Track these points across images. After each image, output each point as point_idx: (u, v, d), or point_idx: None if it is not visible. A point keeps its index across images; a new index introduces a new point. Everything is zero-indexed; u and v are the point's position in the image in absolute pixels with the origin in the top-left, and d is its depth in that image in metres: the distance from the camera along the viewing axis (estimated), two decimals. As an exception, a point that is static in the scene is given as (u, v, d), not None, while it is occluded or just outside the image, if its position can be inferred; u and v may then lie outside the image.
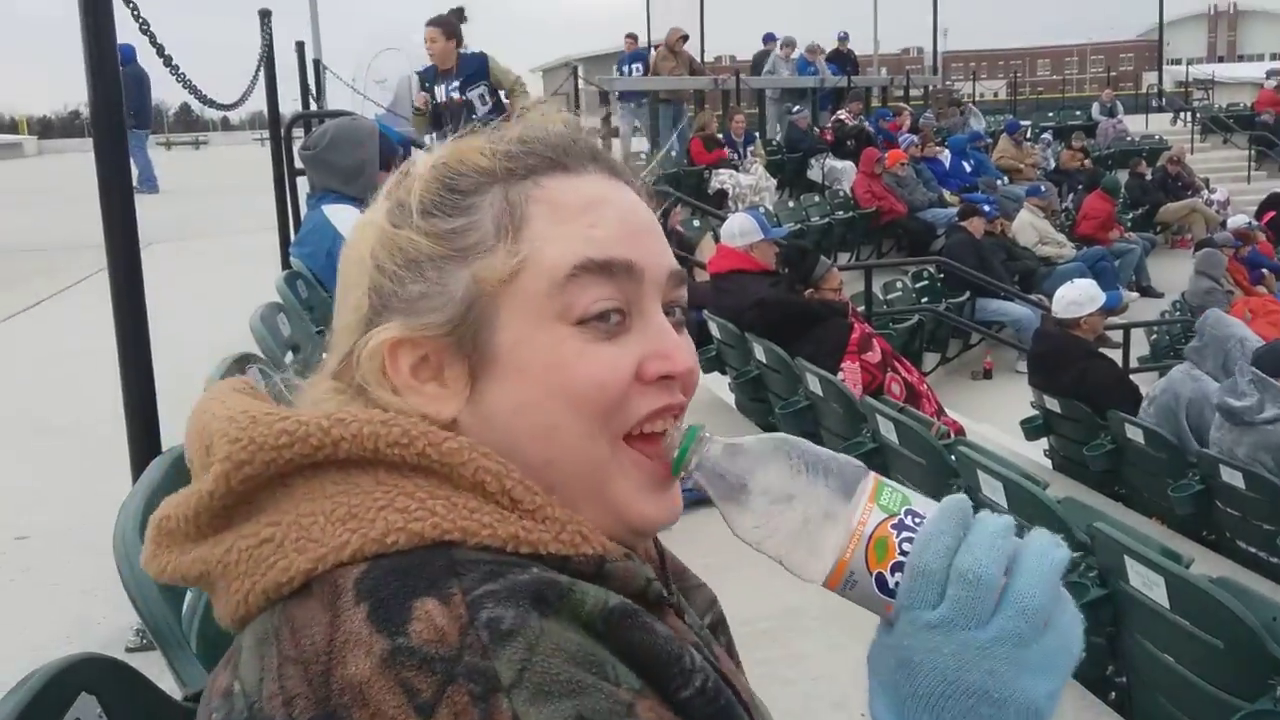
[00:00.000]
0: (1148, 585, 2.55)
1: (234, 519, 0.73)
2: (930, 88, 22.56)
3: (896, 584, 0.68)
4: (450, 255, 0.77)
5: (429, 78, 7.15)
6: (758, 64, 17.01)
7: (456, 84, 7.04)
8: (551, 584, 0.67)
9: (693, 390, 0.83)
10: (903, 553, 0.68)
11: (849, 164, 13.63)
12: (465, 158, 0.80)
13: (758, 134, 14.69)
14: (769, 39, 17.11)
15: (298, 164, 6.06)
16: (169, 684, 1.24)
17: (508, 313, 0.76)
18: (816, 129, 14.79)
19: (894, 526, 0.69)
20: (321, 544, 0.69)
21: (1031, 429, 6.27)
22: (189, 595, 1.52)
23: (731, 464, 0.75)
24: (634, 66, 14.75)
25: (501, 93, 7.06)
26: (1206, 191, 16.91)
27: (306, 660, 0.64)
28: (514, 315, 0.76)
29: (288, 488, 0.72)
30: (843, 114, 15.12)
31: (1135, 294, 12.38)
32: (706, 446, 0.76)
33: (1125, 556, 2.62)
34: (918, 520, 0.70)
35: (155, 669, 1.28)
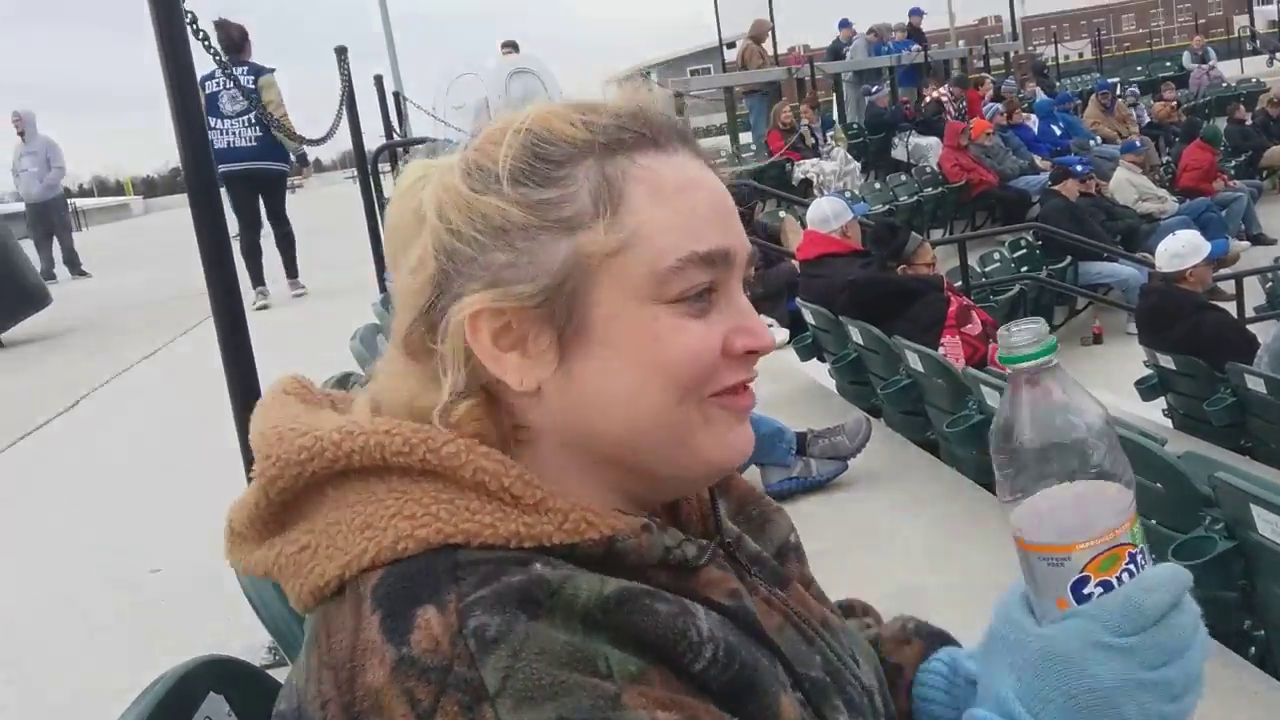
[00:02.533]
0: (1277, 532, 2.46)
1: (286, 522, 0.79)
2: (1011, 54, 22.08)
3: (1090, 594, 0.73)
4: (544, 226, 0.77)
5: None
6: (835, 51, 16.80)
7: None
8: (541, 583, 0.69)
9: None
10: (1119, 579, 0.73)
11: (934, 139, 13.41)
12: (553, 126, 0.79)
13: (836, 120, 14.55)
14: (844, 25, 16.93)
15: (386, 193, 6.30)
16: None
17: (605, 288, 0.77)
18: (897, 107, 14.59)
19: (1129, 554, 0.74)
20: (346, 552, 0.73)
21: (1147, 389, 6.08)
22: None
23: (1063, 388, 0.75)
24: None
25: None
26: (1313, 130, 16.17)
27: (336, 665, 0.69)
28: (611, 291, 0.77)
29: (323, 495, 0.77)
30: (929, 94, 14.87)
31: (1246, 243, 11.89)
32: (1055, 364, 0.75)
33: (1251, 505, 2.53)
34: (1143, 563, 0.74)
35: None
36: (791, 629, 0.83)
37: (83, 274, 12.67)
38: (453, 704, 0.64)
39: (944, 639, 1.01)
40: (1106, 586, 0.72)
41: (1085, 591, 0.73)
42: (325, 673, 0.70)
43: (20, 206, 12.70)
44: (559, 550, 0.73)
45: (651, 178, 0.78)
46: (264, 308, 8.01)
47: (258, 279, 8.19)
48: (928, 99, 14.42)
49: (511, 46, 12.13)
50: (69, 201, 15.58)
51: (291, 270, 8.62)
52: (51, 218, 12.41)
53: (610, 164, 0.78)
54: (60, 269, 12.57)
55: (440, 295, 0.78)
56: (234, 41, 7.79)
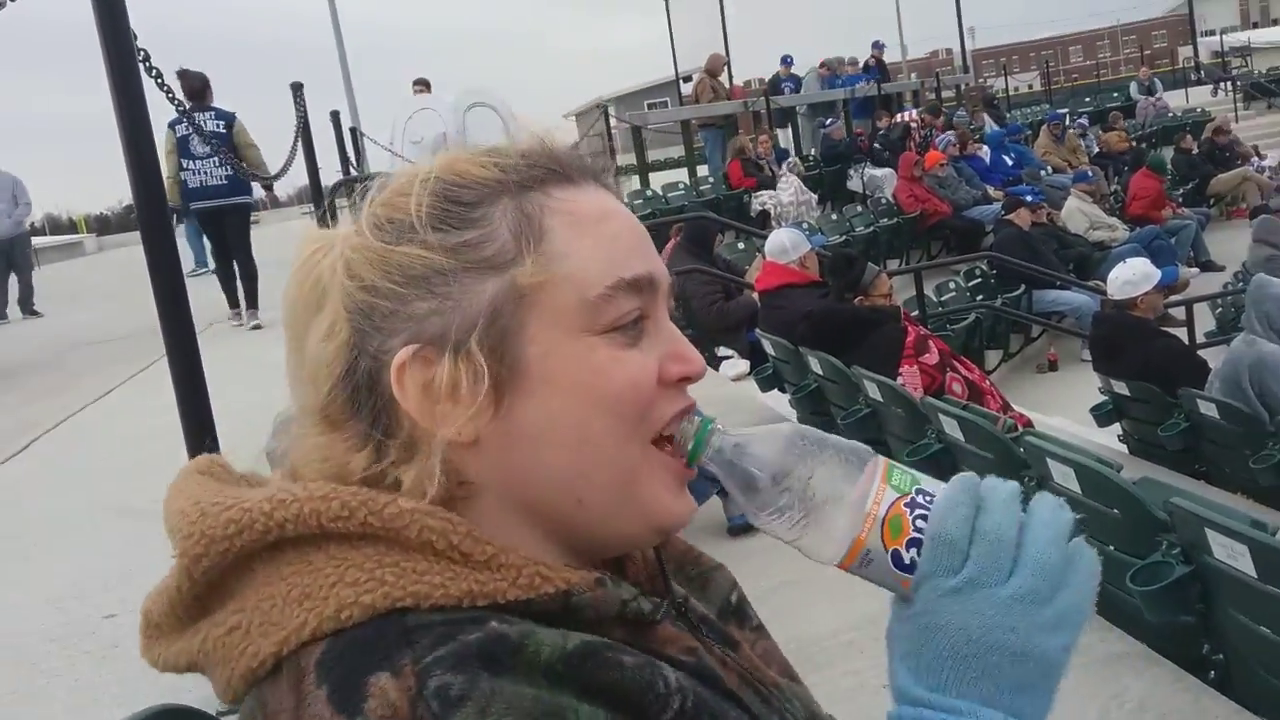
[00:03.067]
0: (1232, 556, 2.49)
1: (210, 605, 0.74)
2: (963, 86, 22.46)
3: (913, 559, 0.72)
4: (466, 268, 0.75)
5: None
6: (774, 85, 17.06)
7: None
8: (502, 639, 0.66)
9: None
10: (917, 529, 0.72)
11: (888, 171, 13.59)
12: (461, 170, 0.78)
13: (791, 150, 14.70)
14: (785, 61, 17.20)
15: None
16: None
17: (537, 324, 0.75)
18: (852, 139, 14.78)
19: (907, 505, 0.73)
20: (283, 626, 0.69)
21: (1102, 415, 6.16)
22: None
23: (743, 453, 0.77)
24: None
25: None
26: (1256, 158, 16.58)
27: None
28: (543, 327, 0.75)
29: (251, 571, 0.73)
30: (881, 125, 15.12)
31: (1195, 269, 12.13)
32: (719, 437, 0.78)
33: (1205, 529, 2.56)
34: (929, 498, 0.73)
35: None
36: (749, 689, 0.81)
37: (34, 314, 12.48)
38: None
39: None
40: (916, 544, 0.71)
41: (907, 562, 0.72)
42: None
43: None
44: (514, 607, 0.70)
45: (569, 209, 0.78)
46: (251, 325, 8.63)
47: (234, 302, 8.76)
48: (894, 122, 14.62)
49: (423, 85, 12.09)
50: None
51: (252, 302, 8.90)
52: (15, 255, 12.26)
53: (526, 200, 0.77)
54: (13, 308, 12.37)
55: (359, 357, 0.75)
56: (195, 89, 8.34)
